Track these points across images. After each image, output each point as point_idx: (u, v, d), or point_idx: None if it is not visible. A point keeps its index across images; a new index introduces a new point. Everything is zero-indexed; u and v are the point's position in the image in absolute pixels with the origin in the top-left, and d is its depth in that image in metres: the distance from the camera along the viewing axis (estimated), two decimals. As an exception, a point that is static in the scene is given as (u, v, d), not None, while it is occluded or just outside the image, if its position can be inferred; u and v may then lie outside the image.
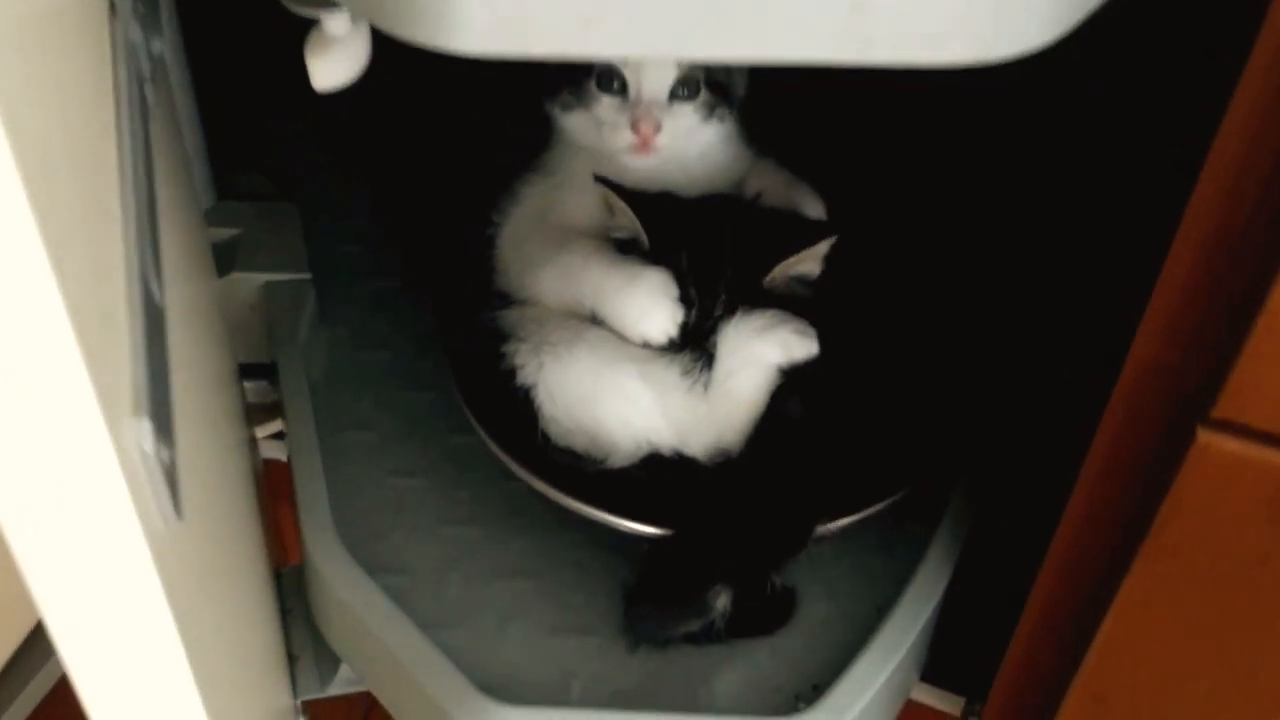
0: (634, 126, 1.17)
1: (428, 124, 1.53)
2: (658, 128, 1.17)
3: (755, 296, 1.15)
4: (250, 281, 1.39)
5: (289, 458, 1.27)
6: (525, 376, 1.16)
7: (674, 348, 1.14)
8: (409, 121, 1.54)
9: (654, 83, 1.18)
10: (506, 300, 1.22)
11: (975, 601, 1.18)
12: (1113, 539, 0.93)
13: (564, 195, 1.24)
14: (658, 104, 1.18)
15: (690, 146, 1.22)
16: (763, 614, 1.14)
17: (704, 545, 1.09)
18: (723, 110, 1.21)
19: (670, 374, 1.14)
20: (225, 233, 1.44)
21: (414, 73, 1.58)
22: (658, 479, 1.13)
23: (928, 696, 1.37)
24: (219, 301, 1.34)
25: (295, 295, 1.38)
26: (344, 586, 1.18)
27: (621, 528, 1.12)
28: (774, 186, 1.24)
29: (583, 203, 1.21)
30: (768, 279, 1.15)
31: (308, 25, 0.91)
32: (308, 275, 1.40)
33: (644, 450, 1.14)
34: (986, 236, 1.33)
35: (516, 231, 1.25)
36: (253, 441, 1.44)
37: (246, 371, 1.41)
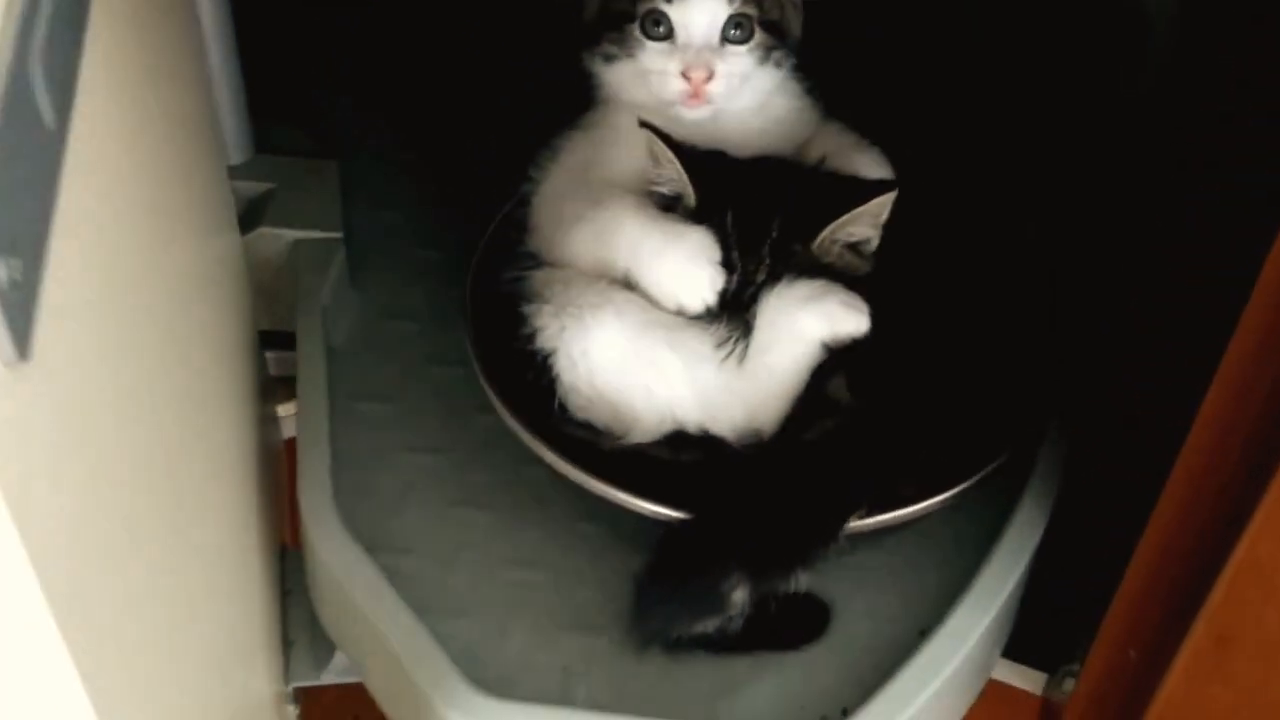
0: (684, 73, 1.06)
1: (475, 86, 1.43)
2: (710, 74, 1.06)
3: (803, 264, 1.03)
4: (278, 239, 1.30)
5: (297, 425, 1.17)
6: (546, 340, 1.05)
7: (710, 316, 1.03)
8: (458, 84, 1.45)
9: (703, 24, 1.06)
10: (536, 262, 1.11)
11: (1054, 570, 1.11)
12: (1242, 461, 0.85)
13: (607, 151, 1.13)
14: (709, 47, 1.07)
15: (747, 96, 1.10)
16: (791, 625, 1.01)
17: (722, 531, 0.96)
18: (779, 54, 1.10)
19: (703, 344, 1.02)
20: (259, 187, 1.35)
21: (463, 34, 1.54)
22: (680, 459, 1.01)
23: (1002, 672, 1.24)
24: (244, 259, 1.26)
25: (323, 255, 1.28)
26: (338, 563, 1.08)
27: (635, 508, 1.01)
28: (839, 150, 1.12)
29: (626, 159, 1.10)
30: (817, 243, 1.03)
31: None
32: (339, 235, 1.30)
33: (668, 426, 1.03)
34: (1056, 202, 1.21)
35: (554, 188, 1.14)
36: (273, 419, 1.34)
37: (272, 340, 1.32)
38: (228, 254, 1.18)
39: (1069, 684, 1.13)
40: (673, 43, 1.07)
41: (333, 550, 1.08)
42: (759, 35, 1.08)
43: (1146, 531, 0.95)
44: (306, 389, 1.18)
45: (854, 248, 1.05)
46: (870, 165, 1.10)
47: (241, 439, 1.14)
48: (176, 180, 0.96)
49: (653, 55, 1.08)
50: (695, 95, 1.07)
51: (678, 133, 1.08)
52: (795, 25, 1.11)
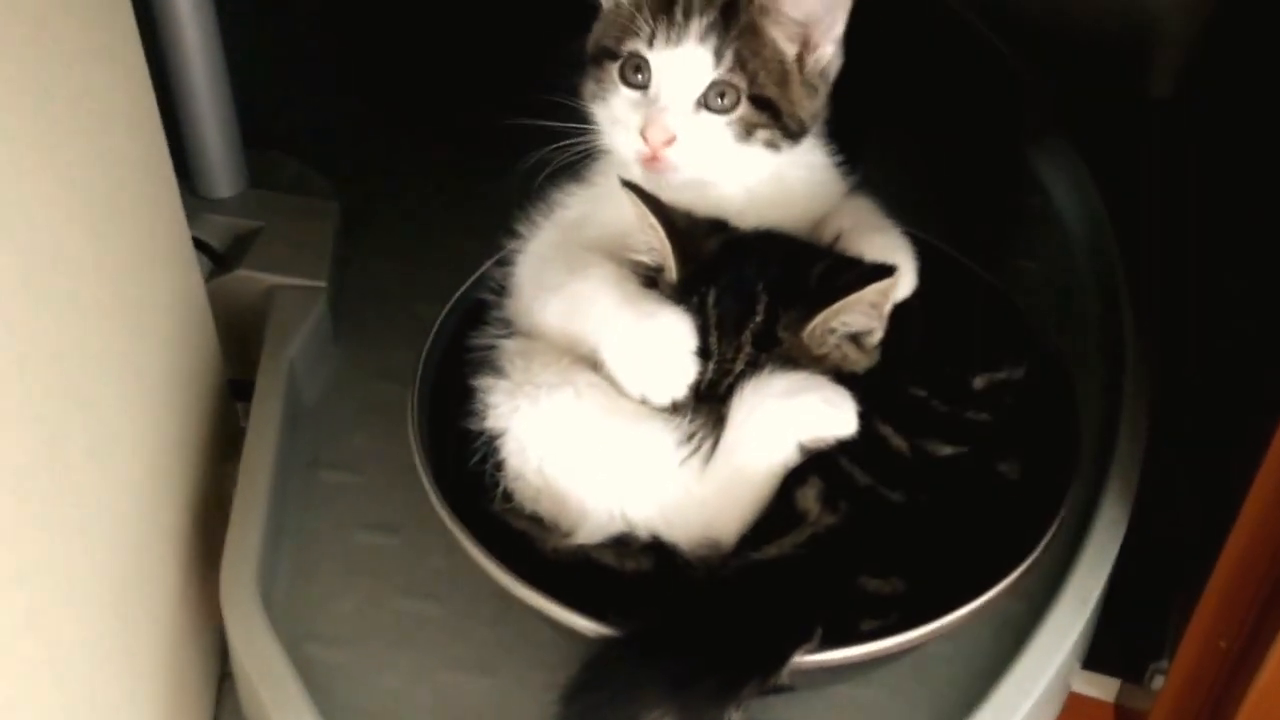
0: (643, 130, 0.94)
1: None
2: (670, 139, 0.94)
3: (791, 355, 0.90)
4: (254, 282, 1.20)
5: (236, 491, 1.06)
6: (497, 419, 0.94)
7: (679, 408, 0.90)
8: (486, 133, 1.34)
9: (682, 80, 0.95)
10: (507, 329, 0.99)
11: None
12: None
13: (602, 209, 1.01)
14: (681, 109, 0.95)
15: (730, 170, 0.98)
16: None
17: (655, 654, 0.83)
18: (770, 134, 0.97)
19: (665, 438, 0.90)
20: (247, 225, 1.25)
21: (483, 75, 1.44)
22: (625, 567, 0.89)
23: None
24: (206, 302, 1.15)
25: (300, 304, 1.18)
26: (248, 652, 0.97)
27: (561, 620, 0.87)
28: (856, 229, 0.99)
29: (621, 220, 0.98)
30: (807, 333, 0.90)
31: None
32: (322, 284, 1.20)
33: (617, 527, 0.90)
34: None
35: (541, 248, 1.02)
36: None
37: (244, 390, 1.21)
38: (177, 296, 1.08)
39: (1158, 681, 1.09)
40: (646, 94, 0.96)
41: (244, 637, 0.98)
42: (744, 109, 0.95)
43: (1239, 519, 0.90)
44: (251, 453, 1.08)
45: (855, 339, 0.92)
46: (886, 248, 0.96)
47: (188, 495, 1.05)
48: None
49: (623, 103, 0.97)
50: (653, 158, 0.95)
51: (671, 196, 0.96)
52: (805, 107, 0.98)
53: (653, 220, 0.93)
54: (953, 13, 1.42)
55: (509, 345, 0.97)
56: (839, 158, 1.03)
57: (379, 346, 1.21)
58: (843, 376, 0.91)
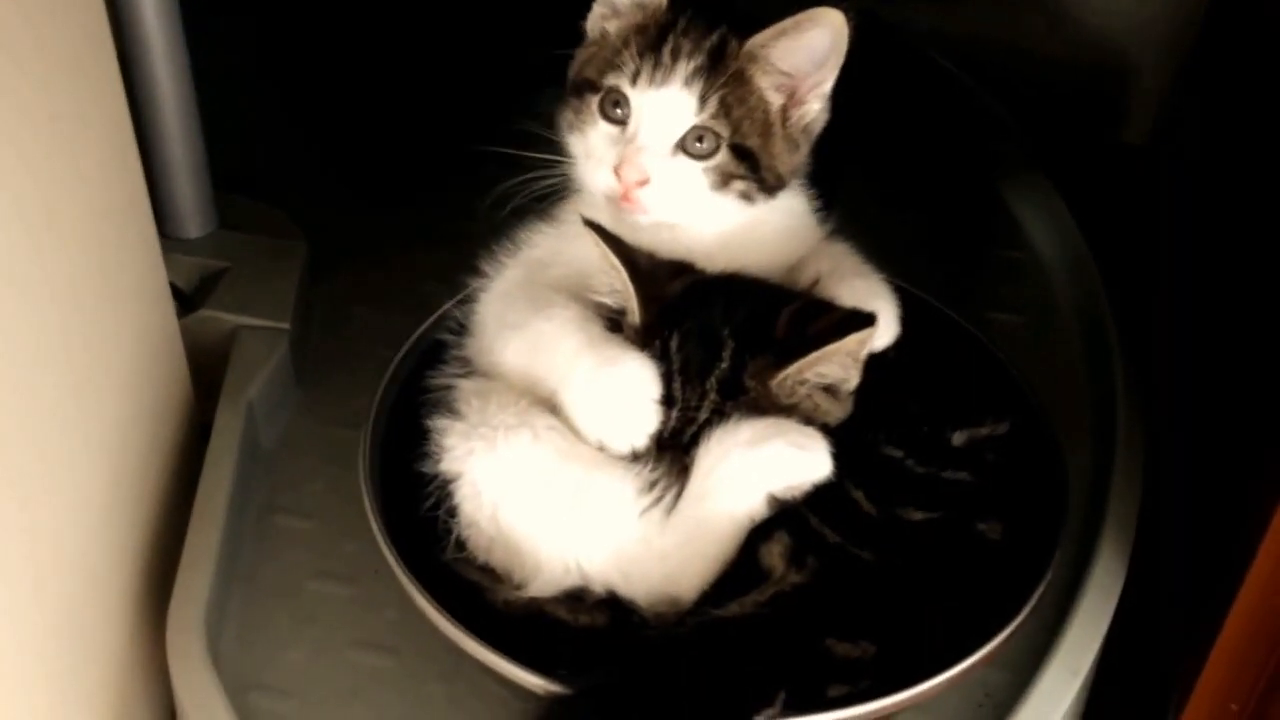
0: (617, 168, 0.91)
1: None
2: (644, 179, 0.91)
3: (758, 404, 0.86)
4: (218, 323, 1.16)
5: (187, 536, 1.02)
6: (451, 462, 0.90)
7: (640, 456, 0.86)
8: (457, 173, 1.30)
9: (661, 120, 0.92)
10: (467, 369, 0.95)
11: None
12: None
13: (568, 248, 0.97)
14: (656, 150, 0.92)
15: (702, 215, 0.95)
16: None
17: (606, 715, 0.78)
18: (747, 185, 0.94)
19: (625, 486, 0.86)
20: (214, 265, 1.22)
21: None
22: (578, 622, 0.84)
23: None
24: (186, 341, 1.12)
25: (262, 345, 1.14)
26: (191, 703, 0.92)
27: (509, 676, 0.83)
28: (834, 274, 0.95)
29: (587, 260, 0.94)
30: (778, 380, 0.86)
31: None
32: (285, 325, 1.16)
33: (572, 580, 0.86)
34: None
35: (505, 286, 0.98)
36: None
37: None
38: (149, 334, 1.05)
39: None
40: (624, 131, 0.93)
41: (188, 685, 0.93)
42: (723, 157, 0.93)
43: (1247, 579, 0.85)
44: (204, 496, 1.03)
45: (828, 389, 0.88)
46: (866, 294, 0.93)
47: (146, 535, 1.02)
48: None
49: (599, 138, 0.94)
50: (626, 197, 0.92)
51: (637, 237, 0.92)
52: (785, 161, 0.96)
53: (614, 261, 0.89)
54: (927, 58, 1.39)
55: (466, 385, 0.93)
56: (817, 202, 1.00)
57: (341, 389, 1.16)
58: (814, 426, 0.87)
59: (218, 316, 1.17)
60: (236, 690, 0.94)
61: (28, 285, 0.84)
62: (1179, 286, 1.27)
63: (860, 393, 0.89)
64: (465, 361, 0.96)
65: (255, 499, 1.07)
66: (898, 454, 0.88)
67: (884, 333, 0.91)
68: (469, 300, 0.99)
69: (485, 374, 0.94)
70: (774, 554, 0.81)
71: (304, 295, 1.21)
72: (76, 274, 0.91)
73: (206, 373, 1.15)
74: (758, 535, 0.82)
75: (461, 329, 0.98)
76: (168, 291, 1.09)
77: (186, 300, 1.20)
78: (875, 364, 0.90)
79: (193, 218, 1.23)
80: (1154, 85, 1.49)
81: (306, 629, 1.00)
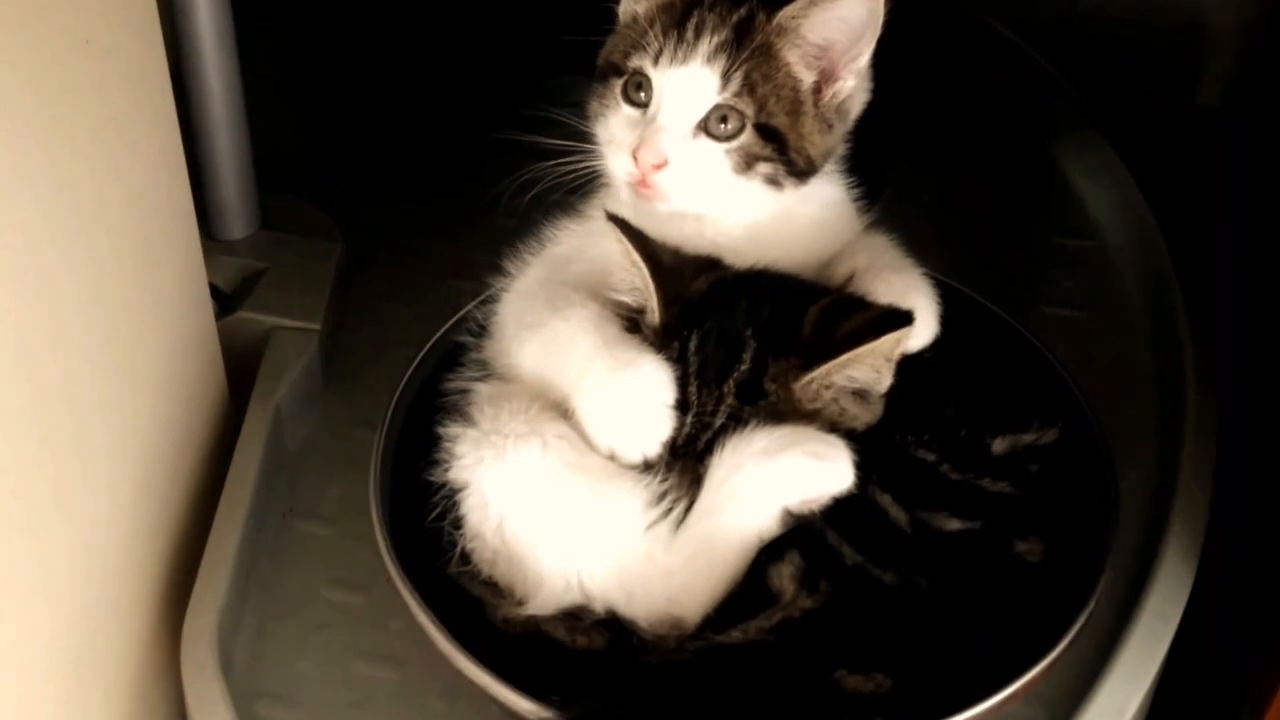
0: (634, 151, 0.86)
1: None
2: (661, 162, 0.86)
3: (779, 410, 0.80)
4: (255, 324, 1.13)
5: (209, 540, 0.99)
6: (459, 471, 0.85)
7: (651, 465, 0.81)
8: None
9: (683, 100, 0.87)
10: (484, 372, 0.90)
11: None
12: None
13: (593, 245, 0.92)
14: (675, 131, 0.87)
15: (727, 203, 0.89)
16: None
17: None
18: (774, 168, 0.88)
19: (633, 499, 0.80)
20: (255, 266, 1.19)
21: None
22: (575, 643, 0.79)
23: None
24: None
25: (294, 347, 1.11)
26: (198, 705, 0.90)
27: (500, 699, 0.78)
28: (871, 269, 0.89)
29: (611, 256, 0.89)
30: (802, 384, 0.80)
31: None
32: (316, 327, 1.12)
33: (573, 598, 0.81)
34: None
35: (527, 284, 0.93)
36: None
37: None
38: (185, 339, 1.02)
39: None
40: (645, 114, 0.88)
41: (199, 696, 0.90)
42: (748, 137, 0.87)
43: None
44: (226, 504, 1.00)
45: (858, 393, 0.81)
46: (904, 290, 0.86)
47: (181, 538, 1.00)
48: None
49: (620, 121, 0.90)
50: (644, 182, 0.87)
51: (661, 231, 0.87)
52: (817, 143, 0.90)
53: (635, 257, 0.84)
54: (982, 24, 1.31)
55: (481, 390, 0.88)
56: (856, 191, 0.94)
57: (367, 389, 1.12)
58: (839, 432, 0.81)
59: (254, 318, 1.14)
60: (245, 699, 0.92)
61: (72, 284, 0.83)
62: (1250, 266, 1.18)
63: (892, 394, 0.83)
64: (483, 364, 0.91)
65: (277, 504, 1.04)
66: (931, 457, 0.82)
67: (921, 332, 0.85)
68: (491, 300, 0.94)
69: (503, 377, 0.89)
70: (784, 575, 0.75)
71: (336, 295, 1.18)
72: (120, 274, 0.89)
73: (242, 374, 1.12)
74: (768, 554, 0.76)
75: (482, 330, 0.94)
76: (207, 294, 1.07)
77: (227, 301, 1.18)
78: (911, 364, 0.83)
79: (237, 219, 1.21)
80: (1230, 46, 1.39)
81: (317, 638, 0.97)
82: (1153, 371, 1.09)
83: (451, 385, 0.91)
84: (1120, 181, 1.22)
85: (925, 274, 0.90)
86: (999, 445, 0.84)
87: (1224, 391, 1.04)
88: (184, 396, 1.02)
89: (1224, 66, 1.39)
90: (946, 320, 0.88)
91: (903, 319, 0.80)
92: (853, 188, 0.95)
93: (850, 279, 0.88)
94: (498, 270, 0.95)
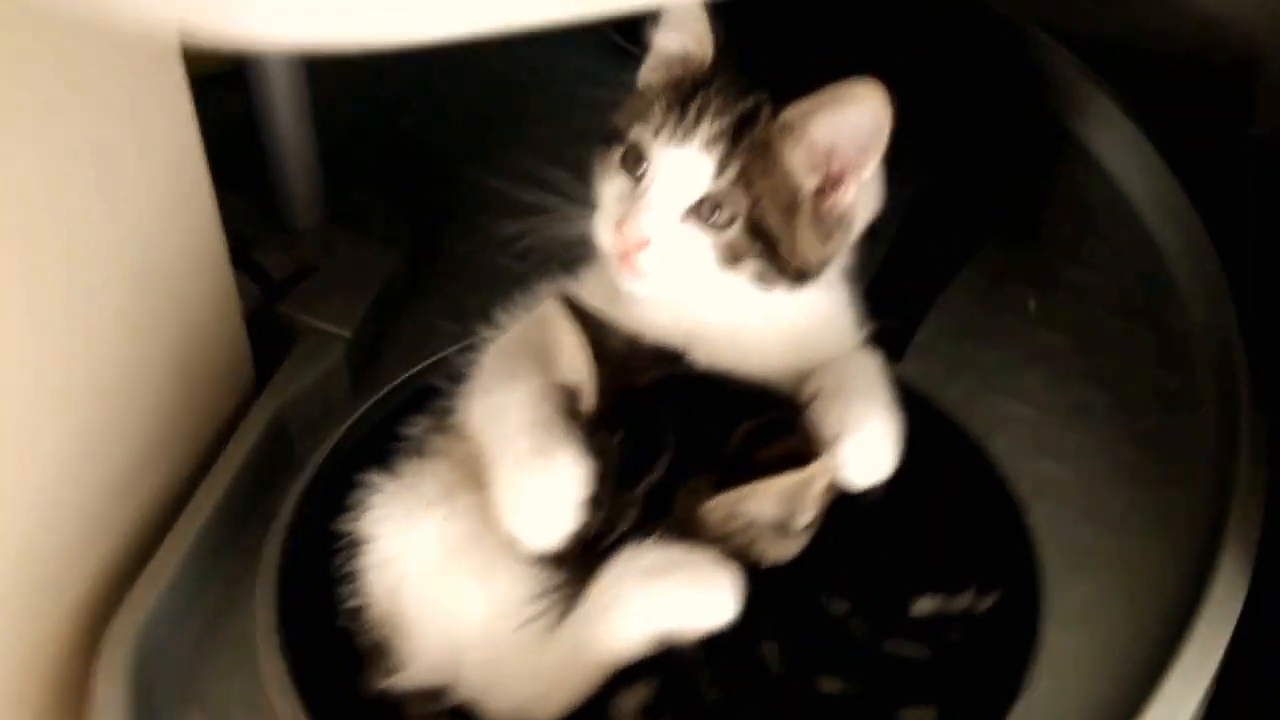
0: (619, 223, 0.83)
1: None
2: (643, 241, 0.82)
3: (686, 526, 0.76)
4: (289, 320, 1.12)
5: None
6: (368, 523, 0.83)
7: (549, 560, 0.78)
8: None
9: (675, 180, 0.83)
10: (440, 421, 0.89)
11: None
12: None
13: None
14: (663, 213, 0.82)
15: (705, 295, 0.85)
16: None
17: None
18: (762, 267, 0.83)
19: (514, 590, 0.77)
20: (313, 259, 1.17)
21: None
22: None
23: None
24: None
25: (316, 350, 1.10)
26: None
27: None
28: (838, 391, 0.83)
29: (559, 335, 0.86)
30: (705, 509, 0.75)
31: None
32: (345, 333, 1.11)
33: (439, 677, 0.79)
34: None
35: (505, 341, 0.90)
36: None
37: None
38: (205, 328, 1.03)
39: None
40: (638, 188, 0.84)
41: (105, 696, 0.88)
42: (737, 233, 0.82)
43: None
44: (206, 487, 0.99)
45: (775, 525, 0.77)
46: (859, 421, 0.80)
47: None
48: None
49: (613, 190, 0.86)
50: (624, 258, 0.83)
51: (632, 315, 0.84)
52: (812, 251, 0.85)
53: (577, 341, 0.81)
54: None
55: (415, 442, 0.87)
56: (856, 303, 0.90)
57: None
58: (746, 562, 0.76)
59: (290, 313, 1.13)
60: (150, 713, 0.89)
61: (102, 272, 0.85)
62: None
63: (825, 530, 0.78)
64: (444, 413, 0.89)
65: (256, 511, 1.00)
66: (843, 608, 0.77)
67: (869, 470, 0.80)
68: (474, 348, 0.92)
69: (457, 431, 0.88)
70: (627, 704, 0.71)
71: (379, 305, 1.15)
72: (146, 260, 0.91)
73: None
74: (621, 677, 0.72)
75: (459, 377, 0.92)
76: (233, 287, 1.06)
77: (278, 289, 1.18)
78: (856, 500, 0.78)
79: (302, 208, 1.20)
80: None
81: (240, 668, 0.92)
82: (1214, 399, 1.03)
83: (406, 431, 0.90)
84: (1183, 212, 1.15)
85: (893, 406, 0.83)
86: (923, 605, 0.79)
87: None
88: (204, 385, 1.02)
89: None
90: (913, 452, 0.82)
91: (804, 460, 0.75)
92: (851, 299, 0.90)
93: (814, 398, 0.83)
94: (486, 319, 0.93)
